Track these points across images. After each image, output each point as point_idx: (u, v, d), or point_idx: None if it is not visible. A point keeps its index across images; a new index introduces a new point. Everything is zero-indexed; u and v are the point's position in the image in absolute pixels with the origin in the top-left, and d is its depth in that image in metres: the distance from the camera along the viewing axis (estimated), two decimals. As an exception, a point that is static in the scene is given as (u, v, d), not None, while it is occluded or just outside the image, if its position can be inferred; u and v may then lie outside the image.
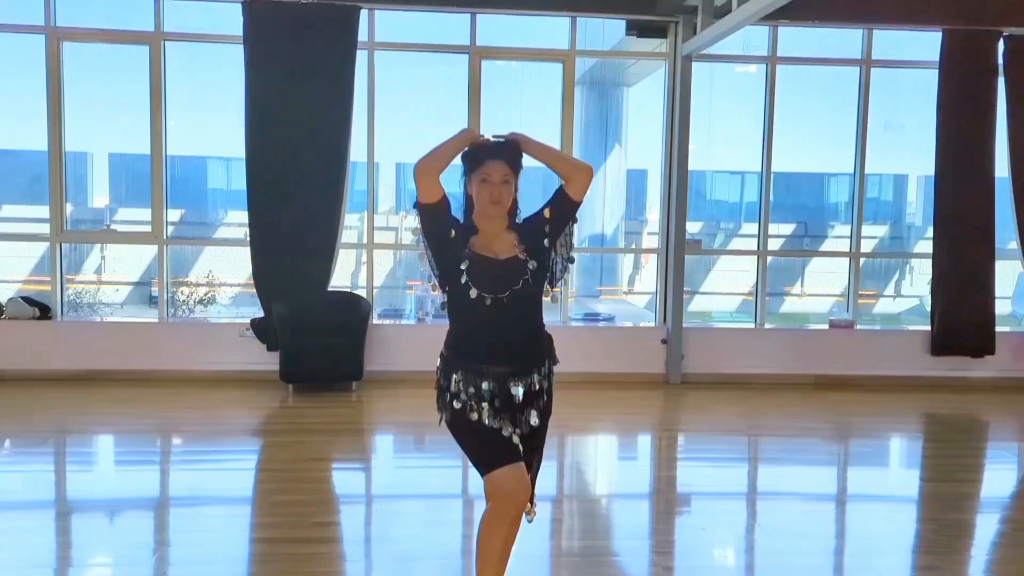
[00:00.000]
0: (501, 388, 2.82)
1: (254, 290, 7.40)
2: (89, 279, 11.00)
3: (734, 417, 6.84)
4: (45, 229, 7.51)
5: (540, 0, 7.42)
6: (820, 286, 12.22)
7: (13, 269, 9.62)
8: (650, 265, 11.60)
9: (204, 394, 6.99)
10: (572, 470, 5.59)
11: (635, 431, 6.64)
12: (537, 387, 2.88)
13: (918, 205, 13.06)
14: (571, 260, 2.96)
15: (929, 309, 7.82)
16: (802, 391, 7.53)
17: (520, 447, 2.84)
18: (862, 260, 8.38)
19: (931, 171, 7.74)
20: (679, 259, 7.53)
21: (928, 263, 7.60)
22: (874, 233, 12.60)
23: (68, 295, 8.70)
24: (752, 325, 8.06)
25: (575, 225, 2.96)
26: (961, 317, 7.63)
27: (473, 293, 2.78)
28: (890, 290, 12.31)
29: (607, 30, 8.50)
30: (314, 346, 6.94)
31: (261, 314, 7.34)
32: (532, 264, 2.83)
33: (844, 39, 8.26)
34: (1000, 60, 7.55)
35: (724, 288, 11.91)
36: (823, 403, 7.24)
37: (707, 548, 4.20)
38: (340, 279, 7.93)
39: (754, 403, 7.16)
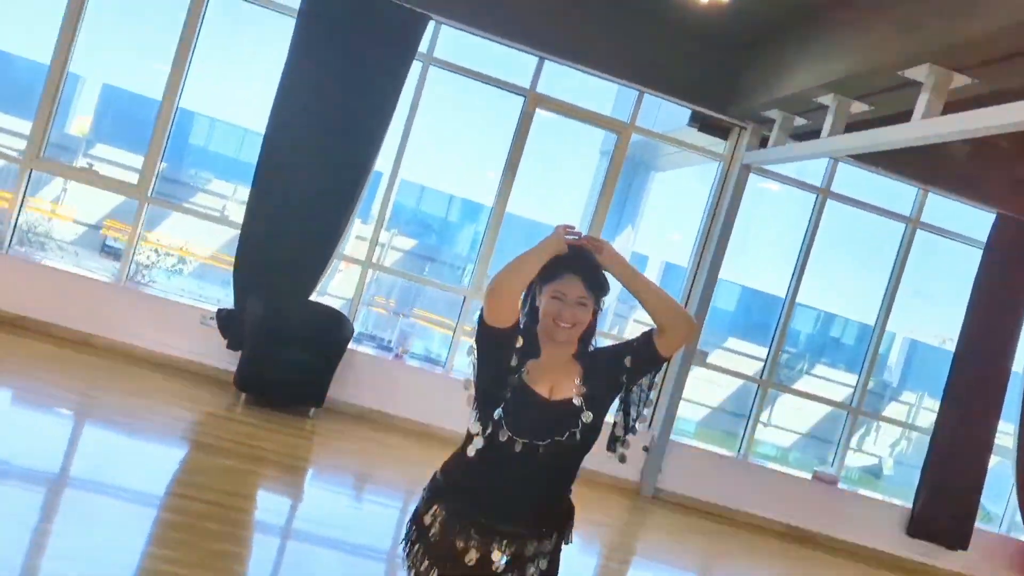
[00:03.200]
0: (484, 551, 2.24)
1: (220, 265, 6.72)
2: (42, 206, 10.08)
3: (696, 551, 6.46)
4: (19, 145, 6.73)
5: (616, 66, 7.02)
6: (786, 420, 11.93)
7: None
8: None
9: (144, 376, 6.26)
10: None
11: (594, 539, 6.13)
12: (531, 562, 2.29)
13: (897, 365, 12.96)
14: (647, 415, 2.38)
15: (896, 479, 7.53)
16: (769, 537, 7.10)
17: None
18: (820, 406, 8.06)
19: (918, 334, 7.51)
20: (684, 369, 7.09)
21: (895, 429, 7.31)
22: (846, 380, 12.40)
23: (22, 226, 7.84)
24: (735, 455, 7.63)
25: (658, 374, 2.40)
26: (944, 502, 7.31)
27: (503, 436, 2.22)
28: (853, 443, 12.10)
29: (663, 113, 8.12)
30: (281, 357, 6.26)
31: (230, 304, 6.64)
32: (587, 416, 2.25)
33: (891, 191, 8.03)
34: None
35: (693, 396, 11.52)
36: (785, 556, 6.85)
37: None
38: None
39: (721, 539, 6.76)
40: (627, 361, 2.31)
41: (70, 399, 5.54)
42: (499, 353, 2.26)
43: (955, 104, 4.63)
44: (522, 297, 2.31)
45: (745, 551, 6.74)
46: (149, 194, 6.83)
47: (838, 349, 14.68)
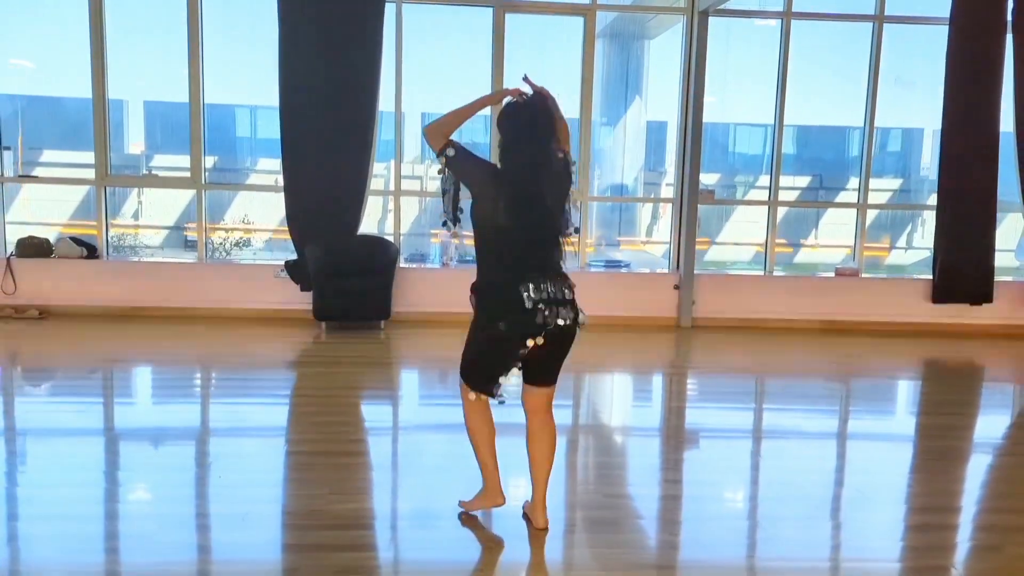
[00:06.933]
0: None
1: (287, 236, 7.82)
2: (127, 223, 11.47)
3: (741, 358, 7.16)
4: (88, 174, 7.95)
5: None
6: (834, 238, 12.44)
7: (53, 213, 10.08)
8: (667, 215, 11.88)
9: (241, 331, 7.45)
10: (587, 406, 5.87)
11: (647, 371, 6.98)
12: None
13: (932, 159, 13.17)
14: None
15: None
16: (808, 335, 7.86)
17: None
18: (870, 212, 8.62)
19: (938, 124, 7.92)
20: (692, 208, 7.84)
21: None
22: (888, 186, 12.77)
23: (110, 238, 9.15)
24: (762, 272, 8.39)
25: None
26: (961, 266, 7.90)
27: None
28: (902, 242, 12.53)
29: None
30: (345, 287, 7.37)
31: (295, 257, 7.76)
32: None
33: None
34: (1009, 18, 7.71)
35: (740, 239, 12.17)
36: (827, 346, 7.56)
37: (713, 480, 4.33)
38: (368, 227, 8.29)
39: (761, 346, 7.50)
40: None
41: (191, 361, 6.67)
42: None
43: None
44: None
45: (785, 349, 7.44)
46: (203, 182, 7.99)
47: (882, 159, 14.87)
